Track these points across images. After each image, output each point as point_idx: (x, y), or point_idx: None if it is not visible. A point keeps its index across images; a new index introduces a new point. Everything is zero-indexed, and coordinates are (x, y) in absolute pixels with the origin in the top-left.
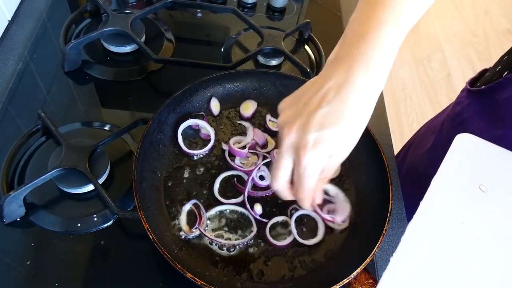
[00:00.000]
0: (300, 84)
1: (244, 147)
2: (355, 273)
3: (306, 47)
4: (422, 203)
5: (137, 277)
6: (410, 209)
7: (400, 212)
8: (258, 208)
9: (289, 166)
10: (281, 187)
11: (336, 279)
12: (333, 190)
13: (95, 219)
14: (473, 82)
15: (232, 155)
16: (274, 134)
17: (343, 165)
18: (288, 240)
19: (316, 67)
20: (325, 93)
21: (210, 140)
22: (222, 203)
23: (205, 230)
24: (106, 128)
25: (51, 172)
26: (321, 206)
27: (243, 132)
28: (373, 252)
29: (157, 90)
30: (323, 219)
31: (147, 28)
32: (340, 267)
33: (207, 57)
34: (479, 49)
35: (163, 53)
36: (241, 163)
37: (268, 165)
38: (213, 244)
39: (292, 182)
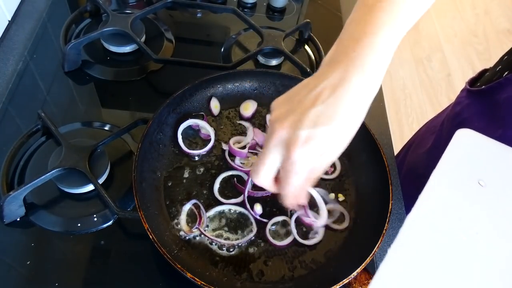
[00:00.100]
0: None
1: (244, 147)
2: (355, 273)
3: (306, 47)
4: (420, 196)
5: (137, 277)
6: (410, 209)
7: (400, 212)
8: (258, 208)
9: (275, 163)
10: (263, 183)
11: (336, 279)
12: (319, 195)
13: (95, 219)
14: (473, 82)
15: (232, 155)
16: None
17: (343, 165)
18: (288, 240)
19: (316, 67)
20: (320, 92)
21: (210, 140)
22: (222, 203)
23: (205, 230)
24: (106, 128)
25: (51, 172)
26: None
27: (243, 132)
28: (373, 252)
29: (157, 90)
30: (302, 221)
31: (147, 28)
32: (340, 267)
33: (207, 57)
34: (479, 49)
35: (163, 53)
36: (241, 163)
37: None
38: (213, 244)
39: (276, 179)
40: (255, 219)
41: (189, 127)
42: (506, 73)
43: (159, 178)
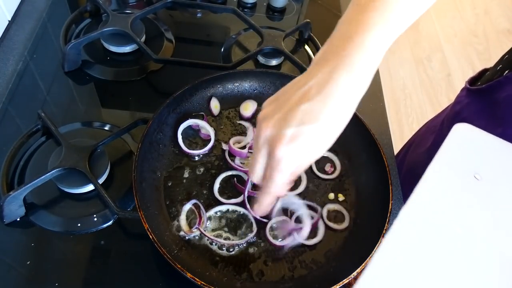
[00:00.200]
0: None
1: (244, 147)
2: (355, 273)
3: (306, 47)
4: (416, 189)
5: (137, 277)
6: None
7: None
8: None
9: (266, 160)
10: (259, 181)
11: (336, 279)
12: (308, 212)
13: (95, 219)
14: (473, 81)
15: (232, 155)
16: None
17: (343, 165)
18: (288, 240)
19: None
20: (307, 91)
21: (210, 140)
22: (222, 203)
23: (205, 230)
24: (106, 128)
25: (51, 172)
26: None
27: (243, 132)
28: (373, 252)
29: (157, 90)
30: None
31: (147, 28)
32: (340, 267)
33: (207, 57)
34: (479, 49)
35: (163, 53)
36: (241, 163)
37: None
38: (213, 244)
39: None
40: (255, 219)
41: (189, 127)
42: (506, 72)
43: (159, 178)
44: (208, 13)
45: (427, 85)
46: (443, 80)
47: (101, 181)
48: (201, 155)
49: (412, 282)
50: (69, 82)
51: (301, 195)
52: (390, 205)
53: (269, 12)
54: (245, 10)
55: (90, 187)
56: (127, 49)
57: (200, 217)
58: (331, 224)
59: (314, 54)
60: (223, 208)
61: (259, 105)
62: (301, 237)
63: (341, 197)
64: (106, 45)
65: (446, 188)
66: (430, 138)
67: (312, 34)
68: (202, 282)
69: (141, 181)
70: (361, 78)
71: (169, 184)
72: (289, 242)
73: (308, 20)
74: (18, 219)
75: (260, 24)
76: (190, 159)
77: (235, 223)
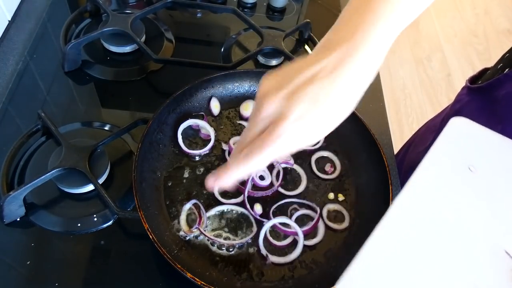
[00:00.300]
0: None
1: None
2: None
3: (306, 47)
4: (410, 179)
5: (137, 277)
6: None
7: None
8: (258, 208)
9: (258, 135)
10: (240, 150)
11: (336, 279)
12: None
13: (95, 219)
14: (473, 80)
15: None
16: None
17: (343, 165)
18: (288, 240)
19: None
20: (315, 73)
21: (210, 140)
22: (222, 203)
23: (205, 230)
24: (106, 128)
25: (51, 172)
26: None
27: None
28: None
29: (157, 90)
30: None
31: (147, 28)
32: (340, 267)
33: (207, 57)
34: (479, 49)
35: (163, 53)
36: None
37: (269, 165)
38: (213, 244)
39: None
40: (255, 219)
41: (189, 127)
42: (507, 70)
43: (159, 178)
44: (208, 13)
45: (427, 85)
46: (443, 80)
47: (101, 181)
48: (201, 155)
49: (404, 272)
50: (69, 82)
51: (301, 195)
52: (390, 205)
53: (269, 12)
54: (245, 10)
55: (90, 187)
56: (127, 49)
57: (200, 217)
58: (331, 224)
59: None
60: (223, 208)
61: None
62: (294, 254)
63: (341, 197)
64: (106, 45)
65: (441, 179)
66: (430, 137)
67: (312, 34)
68: (202, 282)
69: (141, 181)
70: (371, 64)
71: (169, 184)
72: (289, 242)
73: (308, 20)
74: (18, 219)
75: (260, 24)
76: (190, 159)
77: (235, 223)
